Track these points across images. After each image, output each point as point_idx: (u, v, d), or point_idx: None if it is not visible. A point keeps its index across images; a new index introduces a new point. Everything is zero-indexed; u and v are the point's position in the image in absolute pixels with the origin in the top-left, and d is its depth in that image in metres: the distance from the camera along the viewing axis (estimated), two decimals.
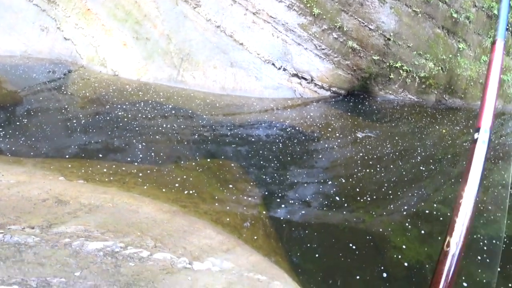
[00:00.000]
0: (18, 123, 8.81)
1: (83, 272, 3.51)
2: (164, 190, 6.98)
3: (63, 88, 11.29)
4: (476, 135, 0.84)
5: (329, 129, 11.42)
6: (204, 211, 6.64)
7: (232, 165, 8.41)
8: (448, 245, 0.70)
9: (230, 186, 7.52)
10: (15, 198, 5.30)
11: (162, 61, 12.55)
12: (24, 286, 3.06)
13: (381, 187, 7.87)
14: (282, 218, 7.00)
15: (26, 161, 7.23)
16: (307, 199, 7.52)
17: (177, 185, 7.23)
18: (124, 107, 10.39)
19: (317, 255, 6.02)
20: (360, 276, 5.53)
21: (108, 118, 9.76)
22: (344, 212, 7.03)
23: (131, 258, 4.02)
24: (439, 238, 6.27)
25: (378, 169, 8.71)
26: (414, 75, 15.31)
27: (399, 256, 6.32)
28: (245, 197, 7.30)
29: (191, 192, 7.08)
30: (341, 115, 13.15)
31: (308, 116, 12.35)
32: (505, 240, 6.90)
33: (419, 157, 9.78)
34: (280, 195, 7.52)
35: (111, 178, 7.07)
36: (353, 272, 5.58)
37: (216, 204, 6.87)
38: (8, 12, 13.10)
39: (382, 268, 6.02)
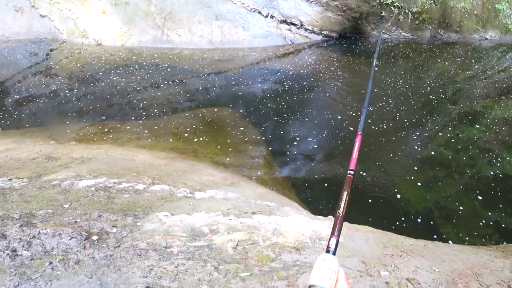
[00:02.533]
0: (7, 107, 8.44)
1: (73, 204, 3.25)
2: (160, 141, 6.68)
3: (48, 67, 10.87)
4: None
5: (325, 72, 10.96)
6: (204, 155, 6.36)
7: (229, 110, 8.07)
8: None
9: (228, 129, 7.21)
10: (3, 160, 5.03)
11: (144, 24, 12.01)
12: (6, 218, 2.80)
13: (383, 129, 7.46)
14: (285, 154, 6.71)
15: (15, 132, 6.94)
16: (308, 138, 7.21)
17: (173, 135, 6.93)
18: (111, 73, 9.99)
19: (323, 186, 5.76)
20: (372, 207, 5.28)
21: (96, 85, 9.38)
22: (344, 154, 6.71)
23: (125, 191, 3.76)
24: (440, 183, 5.90)
25: (378, 109, 8.28)
26: (407, 11, 14.59)
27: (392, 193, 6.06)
28: (245, 138, 7.00)
29: (188, 139, 6.79)
30: (336, 57, 12.62)
31: (302, 62, 11.86)
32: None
33: (422, 97, 9.30)
34: (281, 134, 7.22)
35: (105, 137, 6.77)
36: (358, 205, 5.30)
37: (216, 147, 6.58)
38: None
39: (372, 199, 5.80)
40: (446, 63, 11.88)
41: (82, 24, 12.33)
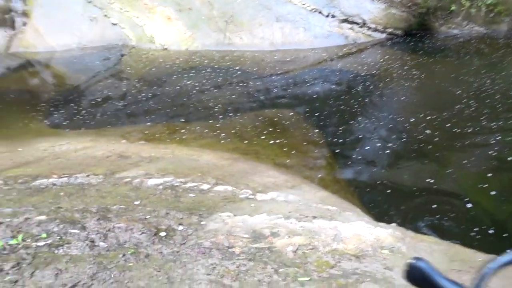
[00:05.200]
0: (84, 109, 9.14)
1: (143, 201, 3.44)
2: (223, 141, 6.86)
3: (120, 71, 11.65)
4: None
5: (390, 73, 10.53)
6: (266, 156, 6.42)
7: (291, 112, 8.06)
8: None
9: (290, 130, 7.22)
10: (81, 157, 5.47)
11: (207, 28, 12.40)
12: (86, 211, 3.04)
13: (458, 132, 6.94)
14: (348, 157, 6.56)
15: (91, 132, 7.50)
16: (372, 141, 6.96)
17: (236, 136, 7.08)
18: (176, 76, 10.44)
19: (387, 192, 5.53)
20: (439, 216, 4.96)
21: (162, 87, 9.86)
22: (412, 158, 6.38)
23: (191, 190, 3.91)
24: None
25: (450, 112, 7.73)
26: (479, 4, 13.53)
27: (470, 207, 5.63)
28: (307, 140, 6.96)
29: (250, 140, 6.89)
30: (401, 56, 12.07)
31: (365, 62, 11.51)
32: None
33: (498, 95, 8.53)
34: (344, 137, 7.06)
35: (171, 137, 7.10)
36: (423, 213, 5.00)
37: (277, 149, 6.61)
38: (58, 10, 13.73)
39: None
40: None
41: (149, 30, 13.02)
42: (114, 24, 13.56)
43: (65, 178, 3.99)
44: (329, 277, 2.42)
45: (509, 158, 6.11)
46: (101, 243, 2.64)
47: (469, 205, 5.07)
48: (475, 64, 11.20)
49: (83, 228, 2.80)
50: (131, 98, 9.36)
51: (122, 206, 3.21)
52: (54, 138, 7.04)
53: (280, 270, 2.42)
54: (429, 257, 3.06)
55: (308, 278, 2.36)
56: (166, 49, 12.48)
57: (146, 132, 7.42)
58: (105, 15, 13.62)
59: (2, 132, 7.43)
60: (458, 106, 7.88)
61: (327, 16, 12.81)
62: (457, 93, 8.50)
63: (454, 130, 6.93)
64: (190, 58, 11.67)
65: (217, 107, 8.44)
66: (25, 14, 13.35)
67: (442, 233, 4.11)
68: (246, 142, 6.84)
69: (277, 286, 2.26)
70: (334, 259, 2.67)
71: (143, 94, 9.42)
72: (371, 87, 9.47)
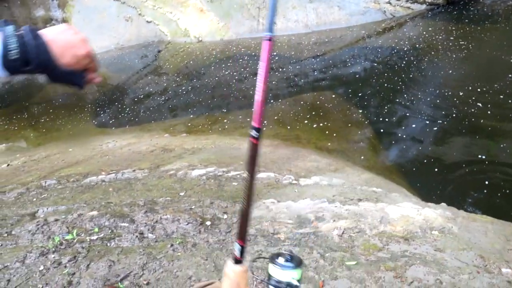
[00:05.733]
0: (127, 107, 9.43)
1: (187, 192, 3.49)
2: (264, 128, 6.82)
3: (158, 67, 11.90)
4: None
5: (435, 45, 9.94)
6: (307, 140, 6.31)
7: (331, 94, 7.86)
8: None
9: (330, 113, 7.04)
10: (127, 153, 5.66)
11: (240, 16, 12.33)
12: (133, 205, 3.12)
13: (508, 106, 6.39)
14: (391, 136, 6.30)
15: (134, 129, 7.74)
16: (418, 119, 6.63)
17: (276, 122, 7.02)
18: (214, 67, 10.50)
19: (436, 171, 5.25)
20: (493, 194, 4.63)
21: (200, 79, 9.96)
22: (462, 134, 6.00)
23: (233, 179, 3.91)
24: None
25: (503, 83, 7.14)
26: None
27: None
28: (349, 122, 6.76)
29: (291, 125, 6.81)
30: (445, 27, 11.34)
31: (407, 36, 10.94)
32: None
33: None
34: (387, 116, 6.78)
35: (212, 128, 7.16)
36: (477, 192, 4.69)
37: (319, 132, 6.48)
38: (94, 14, 14.21)
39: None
40: None
41: (183, 24, 13.16)
42: (149, 22, 13.83)
43: (113, 174, 4.13)
44: (377, 260, 2.33)
45: None
46: (150, 235, 2.70)
47: None
48: None
49: (132, 221, 2.89)
50: (171, 92, 9.54)
51: (168, 198, 3.28)
52: (101, 137, 7.34)
53: (326, 254, 2.36)
54: (483, 237, 2.88)
55: (355, 262, 2.29)
56: (201, 41, 12.57)
57: (188, 124, 7.54)
58: (139, 14, 13.92)
59: (54, 136, 7.85)
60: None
61: None
62: (511, 61, 7.89)
63: (507, 102, 6.44)
64: (226, 48, 11.67)
65: (254, 95, 8.39)
66: (64, 21, 13.94)
67: (497, 212, 3.83)
68: (287, 127, 6.76)
69: (323, 271, 2.21)
70: (382, 242, 2.56)
71: (183, 88, 9.56)
72: (415, 62, 9.01)
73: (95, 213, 3.02)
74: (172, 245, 2.51)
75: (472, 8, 12.38)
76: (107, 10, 14.19)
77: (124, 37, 13.85)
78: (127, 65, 12.26)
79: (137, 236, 2.66)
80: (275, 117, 7.19)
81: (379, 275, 2.19)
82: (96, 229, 2.76)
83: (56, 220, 2.96)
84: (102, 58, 13.13)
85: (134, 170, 4.39)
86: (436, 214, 3.14)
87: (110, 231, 2.76)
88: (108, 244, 2.59)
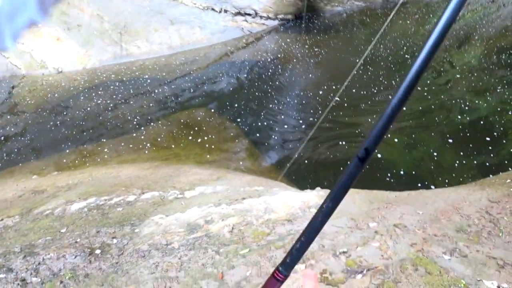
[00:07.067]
0: None
1: (69, 227, 3.34)
2: (141, 153, 6.76)
3: (13, 105, 10.70)
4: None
5: (293, 54, 11.15)
6: (187, 157, 6.48)
7: (203, 110, 8.17)
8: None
9: (206, 128, 7.33)
10: None
11: (101, 42, 11.91)
12: (8, 254, 2.88)
13: (360, 97, 7.72)
14: (267, 141, 6.89)
15: None
16: (288, 121, 7.40)
17: (153, 145, 7.01)
18: (77, 98, 9.91)
19: (308, 164, 5.97)
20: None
21: (65, 113, 9.31)
22: (327, 129, 6.93)
23: (118, 205, 3.86)
24: (414, 135, 6.17)
25: (353, 78, 8.48)
26: None
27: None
28: (224, 134, 7.14)
29: (168, 145, 6.88)
30: (299, 38, 12.83)
31: (264, 49, 12.01)
32: None
33: (390, 57, 9.61)
34: (258, 124, 7.38)
35: (86, 160, 6.80)
36: (339, 170, 5.52)
37: (197, 148, 6.70)
38: None
39: None
40: (407, 22, 12.25)
41: (39, 55, 12.13)
42: None
43: None
44: (267, 244, 2.63)
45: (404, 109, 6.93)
46: (34, 279, 2.54)
47: (379, 155, 5.70)
48: (363, 34, 12.37)
49: (10, 270, 2.67)
50: (34, 131, 8.71)
51: (48, 238, 3.09)
52: None
53: (221, 250, 2.56)
54: (352, 205, 3.44)
55: (248, 250, 2.54)
56: (61, 72, 11.74)
57: (59, 162, 7.01)
58: None
59: None
60: (360, 72, 8.73)
61: (220, 12, 13.06)
62: (356, 61, 9.38)
63: (357, 94, 7.68)
64: (89, 77, 11.13)
65: (127, 121, 8.23)
66: None
67: (361, 185, 4.56)
68: (164, 148, 6.82)
69: (220, 264, 2.41)
70: (269, 228, 2.88)
71: (47, 124, 8.82)
72: (278, 70, 9.96)
73: None
74: (61, 281, 2.42)
75: (316, 21, 14.24)
76: None
77: None
78: None
79: (18, 284, 2.48)
80: (151, 140, 7.18)
81: (271, 254, 2.49)
82: None
83: None
84: None
85: (1, 219, 3.98)
86: (312, 195, 3.63)
87: None
88: None
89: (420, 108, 6.95)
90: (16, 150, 7.93)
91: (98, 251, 2.77)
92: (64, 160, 7.00)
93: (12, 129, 8.98)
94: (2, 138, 8.55)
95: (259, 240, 2.69)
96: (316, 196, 3.59)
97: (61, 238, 3.08)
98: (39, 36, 12.32)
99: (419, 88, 7.59)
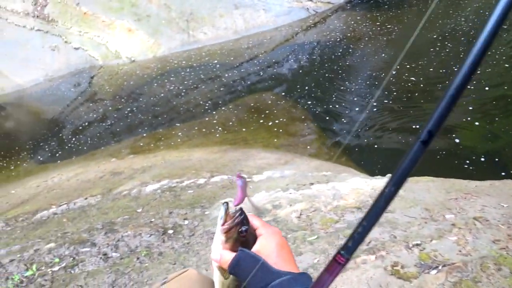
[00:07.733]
0: (67, 139, 9.06)
1: (145, 207, 3.51)
2: (211, 137, 6.92)
3: (93, 93, 11.54)
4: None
5: (364, 32, 10.64)
6: (254, 141, 6.49)
7: (270, 94, 8.13)
8: None
9: (273, 111, 7.29)
10: (75, 184, 5.49)
11: (169, 31, 12.34)
12: (92, 230, 3.09)
13: (437, 77, 7.13)
14: (335, 125, 6.67)
15: (78, 159, 7.49)
16: (357, 103, 7.09)
17: (221, 129, 7.14)
18: (150, 85, 10.40)
19: (377, 148, 5.68)
20: (431, 157, 5.09)
21: (139, 100, 9.83)
22: (399, 111, 6.53)
23: (189, 187, 3.97)
24: (497, 118, 5.55)
25: (430, 57, 7.94)
26: None
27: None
28: (291, 117, 7.05)
29: (236, 129, 6.96)
30: (365, 16, 12.19)
31: (334, 28, 11.59)
32: None
33: (472, 31, 8.75)
34: (326, 107, 7.16)
35: (159, 145, 7.13)
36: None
37: (264, 132, 6.69)
38: (17, 48, 13.49)
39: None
40: None
41: (113, 46, 12.90)
42: (77, 49, 13.41)
43: (65, 206, 4.03)
44: (335, 231, 2.52)
45: (486, 89, 6.29)
46: (114, 254, 2.70)
47: (457, 140, 5.24)
48: (439, 6, 11.36)
49: (93, 244, 2.86)
50: (112, 117, 9.32)
51: (126, 217, 3.28)
52: (44, 173, 7.03)
53: (288, 236, 2.51)
54: (427, 194, 3.19)
55: (316, 237, 2.47)
56: (134, 61, 12.39)
57: (134, 146, 7.43)
58: (66, 42, 13.46)
59: None
60: (437, 49, 8.10)
61: None
62: (434, 37, 8.71)
63: (435, 73, 7.14)
64: (160, 64, 11.61)
65: (197, 106, 8.47)
66: None
67: (437, 172, 4.23)
68: (232, 132, 6.91)
69: None
70: (337, 215, 2.77)
71: (123, 111, 9.39)
72: (348, 51, 9.58)
73: (52, 245, 2.95)
74: (138, 258, 2.54)
75: None
76: (30, 42, 13.56)
77: (53, 67, 13.29)
78: (60, 96, 11.78)
79: (101, 258, 2.66)
80: (220, 125, 7.31)
81: (339, 242, 2.39)
82: (57, 260, 2.71)
83: (12, 260, 2.86)
84: (32, 93, 12.54)
85: (86, 198, 4.30)
86: (382, 182, 3.43)
87: (71, 258, 2.72)
88: (72, 272, 2.56)
89: (506, 87, 6.25)
90: (97, 134, 8.56)
91: (170, 231, 2.87)
92: (140, 144, 7.40)
93: (94, 115, 9.69)
94: (86, 123, 9.27)
95: (327, 227, 2.59)
96: None
97: (137, 217, 3.24)
98: (112, 29, 13.08)
99: (506, 65, 6.84)
